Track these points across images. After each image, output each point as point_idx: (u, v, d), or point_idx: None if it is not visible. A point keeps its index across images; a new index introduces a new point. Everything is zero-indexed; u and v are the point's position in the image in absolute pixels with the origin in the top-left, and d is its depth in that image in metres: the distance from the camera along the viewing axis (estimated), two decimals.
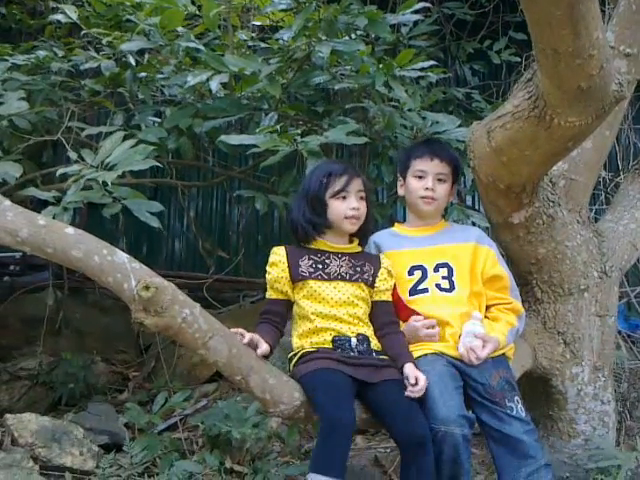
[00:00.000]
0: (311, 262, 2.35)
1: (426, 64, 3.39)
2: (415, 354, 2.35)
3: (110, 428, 3.33)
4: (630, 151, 4.68)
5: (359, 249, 2.45)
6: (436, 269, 2.52)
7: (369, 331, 2.35)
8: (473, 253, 2.56)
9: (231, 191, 4.93)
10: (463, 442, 2.13)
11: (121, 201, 2.72)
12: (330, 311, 2.30)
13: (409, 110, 3.37)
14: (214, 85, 2.94)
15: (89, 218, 5.11)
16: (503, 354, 2.46)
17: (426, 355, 2.36)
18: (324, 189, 2.36)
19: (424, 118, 3.40)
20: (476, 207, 4.64)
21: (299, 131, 2.83)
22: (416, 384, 2.18)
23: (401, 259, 2.55)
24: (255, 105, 3.47)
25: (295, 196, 2.59)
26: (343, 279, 2.35)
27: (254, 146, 2.88)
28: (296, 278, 2.33)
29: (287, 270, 2.33)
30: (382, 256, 2.48)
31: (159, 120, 3.57)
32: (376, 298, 2.41)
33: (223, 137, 2.90)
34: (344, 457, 2.03)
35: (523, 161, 2.38)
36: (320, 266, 2.35)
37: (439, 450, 2.12)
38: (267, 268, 2.38)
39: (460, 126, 3.35)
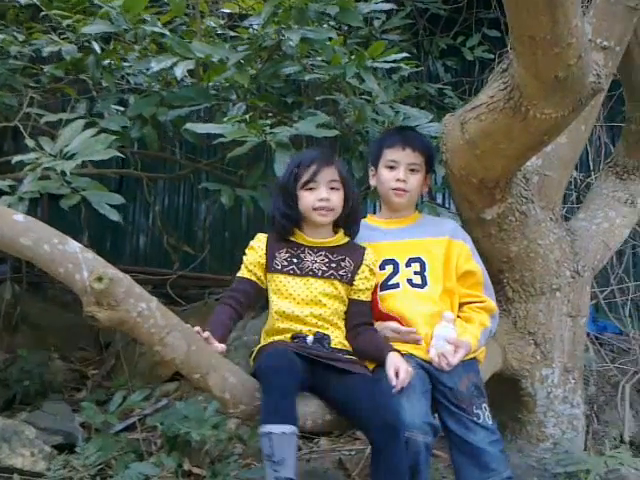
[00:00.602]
0: (287, 255, 2.27)
1: (399, 56, 3.30)
2: None
3: (65, 428, 3.21)
4: (602, 151, 4.63)
5: (344, 240, 2.35)
6: (408, 264, 2.43)
7: (336, 332, 2.26)
8: (447, 247, 2.46)
9: (198, 185, 4.80)
10: (425, 450, 2.04)
11: (80, 192, 2.60)
12: (293, 311, 2.21)
13: (381, 103, 3.28)
14: (179, 72, 2.83)
15: (50, 210, 4.97)
16: (474, 357, 2.38)
17: None
18: (294, 180, 2.27)
19: (397, 112, 3.31)
20: (446, 205, 4.57)
21: (268, 122, 2.73)
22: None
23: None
24: (223, 95, 3.36)
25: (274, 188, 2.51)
26: (314, 275, 2.25)
27: (221, 136, 2.77)
28: (270, 269, 2.27)
29: (264, 257, 2.27)
30: (368, 251, 2.36)
31: (122, 109, 3.43)
32: (353, 297, 2.31)
33: (189, 125, 2.80)
34: (289, 403, 1.97)
35: (497, 154, 2.31)
36: (295, 260, 2.26)
37: None
38: (246, 250, 2.33)
39: (432, 122, 3.27)
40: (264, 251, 2.28)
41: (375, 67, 3.25)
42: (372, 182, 2.60)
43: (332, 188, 2.26)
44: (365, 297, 2.33)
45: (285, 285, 2.24)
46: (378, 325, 2.35)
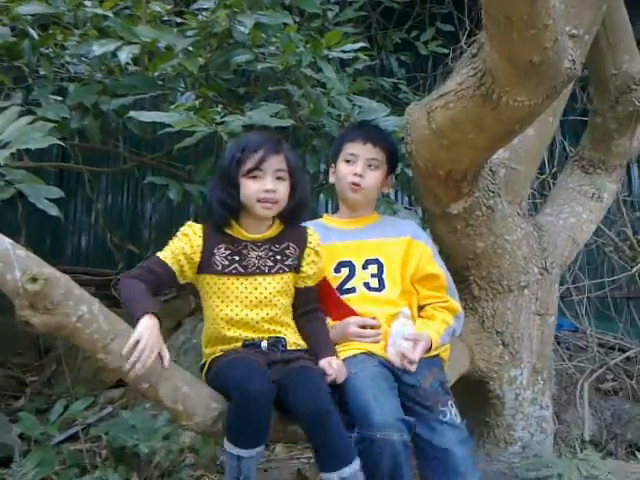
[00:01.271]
0: (228, 252, 2.04)
1: (355, 46, 3.16)
2: (343, 354, 2.13)
3: (2, 440, 3.03)
4: (555, 148, 4.57)
5: (280, 228, 2.13)
6: (365, 266, 2.29)
7: (289, 331, 2.10)
8: (406, 249, 2.33)
9: (143, 180, 4.58)
10: (403, 450, 1.89)
11: (15, 185, 2.37)
12: (242, 318, 2.02)
13: (338, 94, 3.12)
14: (123, 56, 2.63)
15: None
16: (437, 355, 2.25)
17: (355, 355, 2.13)
18: (236, 166, 2.03)
19: (353, 105, 3.17)
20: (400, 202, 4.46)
21: (219, 109, 2.55)
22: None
23: (328, 254, 2.28)
24: (170, 85, 3.16)
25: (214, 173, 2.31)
26: (262, 273, 2.05)
27: (168, 126, 2.58)
28: (207, 269, 2.03)
29: (199, 255, 2.02)
30: (309, 230, 2.17)
31: (61, 99, 3.20)
32: (300, 285, 2.14)
33: (132, 113, 2.60)
34: (261, 430, 1.83)
35: (466, 145, 2.18)
36: (237, 257, 2.04)
37: (375, 462, 1.88)
38: (177, 235, 2.06)
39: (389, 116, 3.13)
40: (200, 247, 2.02)
41: (330, 57, 3.11)
42: (331, 179, 2.46)
43: (278, 178, 2.05)
44: (312, 282, 2.16)
45: (229, 287, 2.03)
46: (339, 323, 2.21)
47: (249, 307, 2.03)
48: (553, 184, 4.08)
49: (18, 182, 2.38)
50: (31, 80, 3.18)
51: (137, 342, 1.74)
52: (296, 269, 2.11)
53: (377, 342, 2.18)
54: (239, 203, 2.04)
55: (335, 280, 2.27)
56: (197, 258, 2.02)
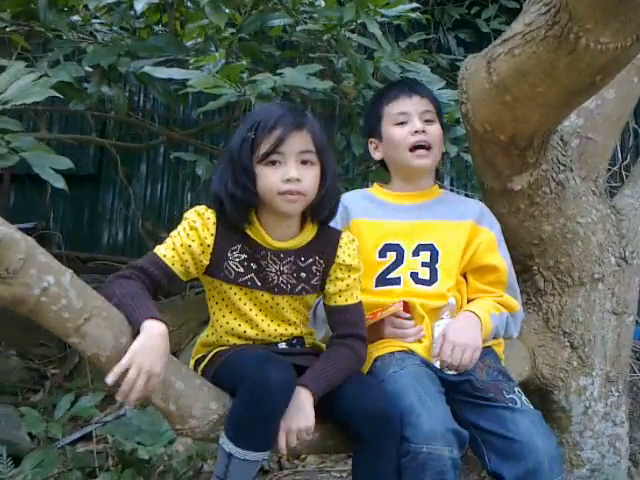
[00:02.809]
0: (244, 257, 1.63)
1: (408, 6, 2.80)
2: (378, 352, 1.80)
3: (9, 437, 2.78)
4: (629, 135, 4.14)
5: (313, 232, 1.71)
6: (416, 252, 1.94)
7: (305, 329, 1.76)
8: (469, 234, 1.97)
9: (179, 166, 4.32)
10: (452, 469, 1.52)
11: (20, 153, 2.13)
12: (257, 334, 1.68)
13: (388, 60, 2.76)
14: (139, 6, 2.33)
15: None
16: (489, 347, 1.89)
17: (393, 353, 1.79)
18: (250, 149, 1.58)
19: (404, 71, 2.80)
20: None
21: (245, 64, 2.22)
22: None
23: (372, 232, 1.95)
24: (199, 48, 2.85)
25: (220, 157, 1.90)
26: (281, 292, 1.67)
27: (190, 88, 2.27)
28: (217, 274, 1.64)
29: (208, 255, 1.61)
30: (343, 240, 1.73)
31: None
32: (330, 303, 1.74)
33: (147, 69, 2.29)
34: (273, 430, 1.48)
35: (534, 101, 1.79)
36: (254, 266, 1.64)
37: (417, 478, 1.52)
38: (183, 225, 1.62)
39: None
40: (211, 247, 1.61)
41: (379, 22, 2.75)
42: (376, 156, 2.09)
43: (304, 162, 1.60)
44: (343, 300, 1.72)
45: (241, 299, 1.66)
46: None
47: (262, 323, 1.68)
48: (626, 176, 3.67)
49: (23, 150, 2.14)
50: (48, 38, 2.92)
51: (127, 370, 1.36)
52: (321, 288, 1.73)
53: (419, 340, 1.84)
54: (257, 197, 1.60)
55: (378, 266, 1.93)
56: (206, 261, 1.62)
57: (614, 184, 3.68)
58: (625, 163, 4.19)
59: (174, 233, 1.62)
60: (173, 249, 1.59)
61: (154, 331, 1.40)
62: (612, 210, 2.28)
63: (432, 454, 1.51)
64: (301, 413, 1.50)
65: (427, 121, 1.97)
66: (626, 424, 2.31)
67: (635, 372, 3.85)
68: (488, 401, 1.73)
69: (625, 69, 1.93)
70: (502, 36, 1.81)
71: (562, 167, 2.11)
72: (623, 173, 4.02)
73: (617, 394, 2.27)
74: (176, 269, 1.58)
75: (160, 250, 1.59)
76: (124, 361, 1.36)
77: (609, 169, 3.91)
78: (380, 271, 1.92)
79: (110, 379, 1.36)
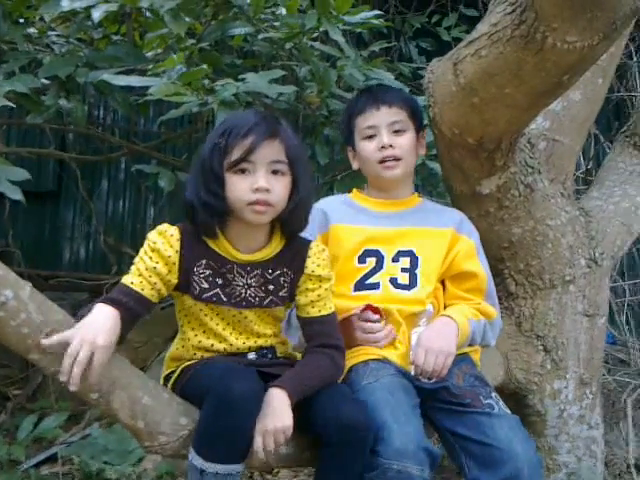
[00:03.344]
0: (209, 272, 1.58)
1: (370, 14, 2.78)
2: (352, 360, 1.76)
3: None
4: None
5: (280, 245, 1.66)
6: (396, 258, 1.91)
7: (276, 339, 1.71)
8: (450, 242, 1.95)
9: (141, 179, 4.23)
10: None
11: None
12: (225, 348, 1.63)
13: (351, 67, 2.73)
14: (96, 14, 2.26)
15: None
16: (465, 353, 1.87)
17: (367, 362, 1.76)
18: (220, 156, 1.54)
19: (367, 78, 2.77)
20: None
21: (205, 68, 2.17)
22: None
23: (352, 238, 1.92)
24: (159, 59, 2.79)
25: (191, 166, 1.80)
26: (249, 305, 1.62)
27: (150, 95, 2.22)
28: (185, 289, 1.59)
29: (176, 273, 1.56)
30: (312, 250, 1.67)
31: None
32: (302, 315, 1.69)
33: (106, 76, 2.22)
34: (245, 440, 1.43)
35: (502, 102, 1.78)
36: (220, 281, 1.59)
37: None
38: (145, 248, 1.56)
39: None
40: (177, 265, 1.55)
41: (341, 27, 2.72)
42: (354, 165, 2.06)
43: (275, 172, 1.56)
44: (317, 311, 1.67)
45: (207, 314, 1.62)
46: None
47: (231, 337, 1.63)
48: (589, 181, 3.70)
49: None
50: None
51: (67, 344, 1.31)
52: (290, 299, 1.68)
53: (393, 344, 1.80)
54: (226, 205, 1.56)
55: (358, 272, 1.90)
56: (175, 279, 1.57)
57: (578, 187, 3.71)
58: (588, 168, 4.24)
59: (137, 259, 1.55)
60: (139, 275, 1.52)
61: (103, 310, 1.41)
62: (581, 212, 2.28)
63: (402, 472, 1.48)
64: (277, 413, 1.45)
65: (396, 132, 1.93)
66: (601, 426, 2.31)
67: (604, 375, 3.89)
68: (465, 407, 1.71)
69: (590, 70, 1.93)
70: (468, 37, 1.80)
71: (530, 170, 2.10)
72: (587, 179, 4.06)
73: (591, 396, 2.26)
74: (147, 294, 1.51)
75: (127, 279, 1.52)
76: (67, 332, 1.33)
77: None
78: (359, 277, 1.90)
79: (47, 342, 1.33)
